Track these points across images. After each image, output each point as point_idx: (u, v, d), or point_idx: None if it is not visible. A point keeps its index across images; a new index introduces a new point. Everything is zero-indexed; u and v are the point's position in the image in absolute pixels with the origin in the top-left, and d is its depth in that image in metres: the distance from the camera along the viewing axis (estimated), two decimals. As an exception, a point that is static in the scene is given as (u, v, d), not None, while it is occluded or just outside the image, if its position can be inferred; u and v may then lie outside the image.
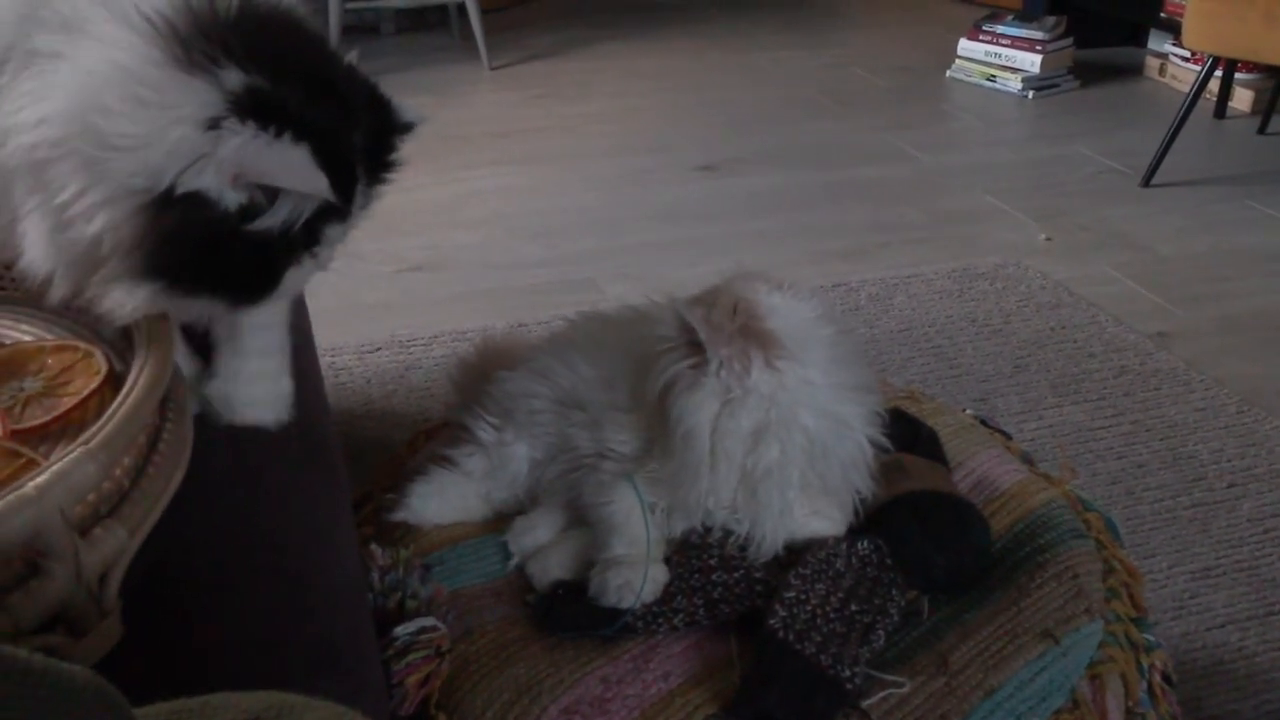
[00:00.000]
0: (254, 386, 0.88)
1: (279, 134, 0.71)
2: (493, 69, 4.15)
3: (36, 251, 0.74)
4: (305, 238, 0.76)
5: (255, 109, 0.71)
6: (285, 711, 0.44)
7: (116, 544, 0.67)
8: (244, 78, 0.71)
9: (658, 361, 0.98)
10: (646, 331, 1.03)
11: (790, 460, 0.97)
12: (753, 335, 0.96)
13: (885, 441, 1.04)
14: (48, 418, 0.76)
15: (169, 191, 0.70)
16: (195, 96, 0.70)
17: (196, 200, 0.70)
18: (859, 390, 1.02)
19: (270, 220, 0.73)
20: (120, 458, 0.69)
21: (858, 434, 1.01)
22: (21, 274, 0.76)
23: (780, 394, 0.96)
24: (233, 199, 0.71)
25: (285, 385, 0.91)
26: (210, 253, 0.73)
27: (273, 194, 0.73)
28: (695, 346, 0.96)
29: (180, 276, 0.74)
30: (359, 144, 0.78)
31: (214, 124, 0.69)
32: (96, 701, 0.40)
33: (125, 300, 0.74)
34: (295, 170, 0.72)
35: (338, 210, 0.77)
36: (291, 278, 0.78)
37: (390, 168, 0.83)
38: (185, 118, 0.69)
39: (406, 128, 0.83)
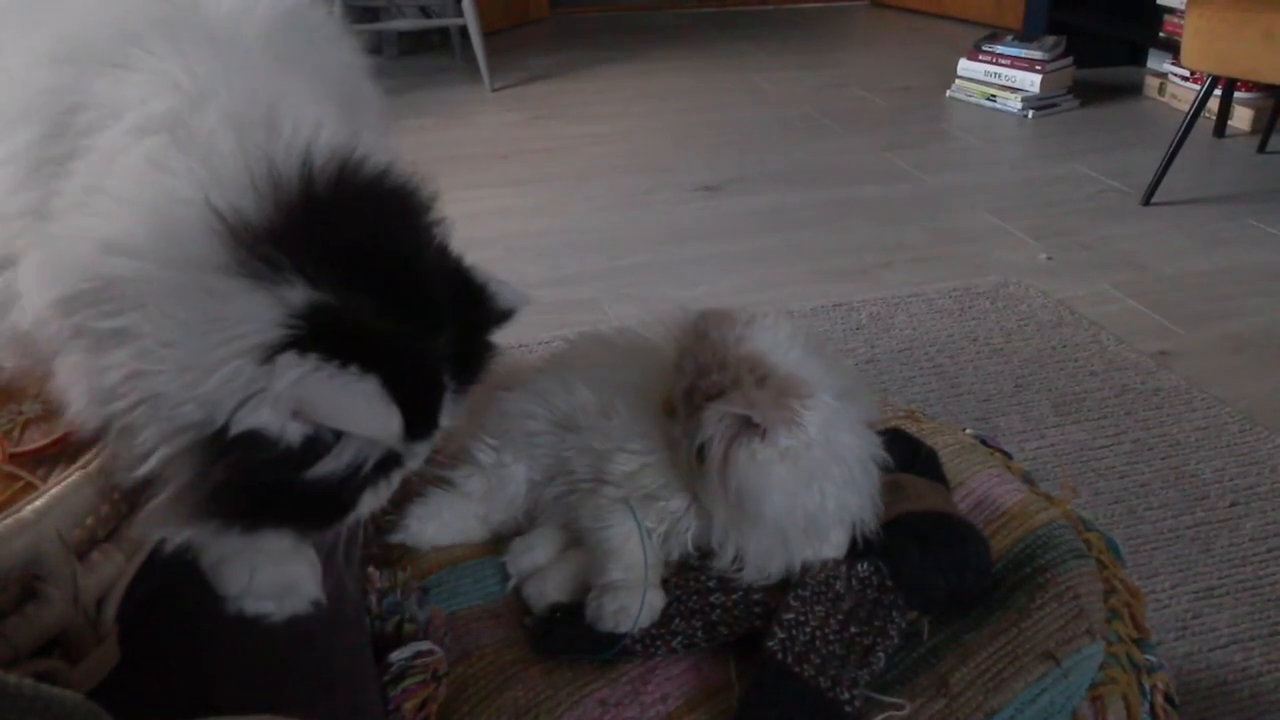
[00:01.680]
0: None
1: (344, 365, 0.61)
2: (494, 90, 4.17)
3: (78, 403, 0.64)
4: (377, 473, 0.68)
5: (319, 335, 0.61)
6: (277, 738, 0.43)
7: (114, 568, 0.67)
8: (309, 294, 0.61)
9: (704, 449, 0.95)
10: (646, 358, 1.03)
11: (838, 489, 0.97)
12: (782, 390, 0.95)
13: (887, 457, 1.04)
14: (46, 441, 0.76)
15: (224, 429, 0.60)
16: (253, 316, 0.60)
17: (254, 439, 0.61)
18: (852, 399, 1.02)
19: (333, 464, 0.64)
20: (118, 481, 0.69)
21: (865, 450, 1.01)
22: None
23: (825, 430, 0.96)
24: (295, 433, 0.62)
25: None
26: (271, 494, 0.64)
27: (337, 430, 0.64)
28: (745, 423, 0.94)
29: (237, 520, 0.65)
30: (445, 349, 0.68)
31: (270, 356, 0.60)
32: (87, 725, 0.40)
33: (174, 535, 0.65)
34: (360, 413, 0.62)
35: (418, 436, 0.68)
36: (368, 500, 0.69)
37: (486, 364, 0.73)
38: (239, 342, 0.60)
39: (505, 316, 0.74)
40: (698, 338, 0.99)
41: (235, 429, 0.60)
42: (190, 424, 0.60)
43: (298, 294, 0.61)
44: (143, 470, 0.62)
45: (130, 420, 0.61)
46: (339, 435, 0.63)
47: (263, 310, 0.60)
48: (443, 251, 0.71)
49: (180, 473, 0.62)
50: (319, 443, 0.63)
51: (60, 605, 0.64)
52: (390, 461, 0.68)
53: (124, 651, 0.67)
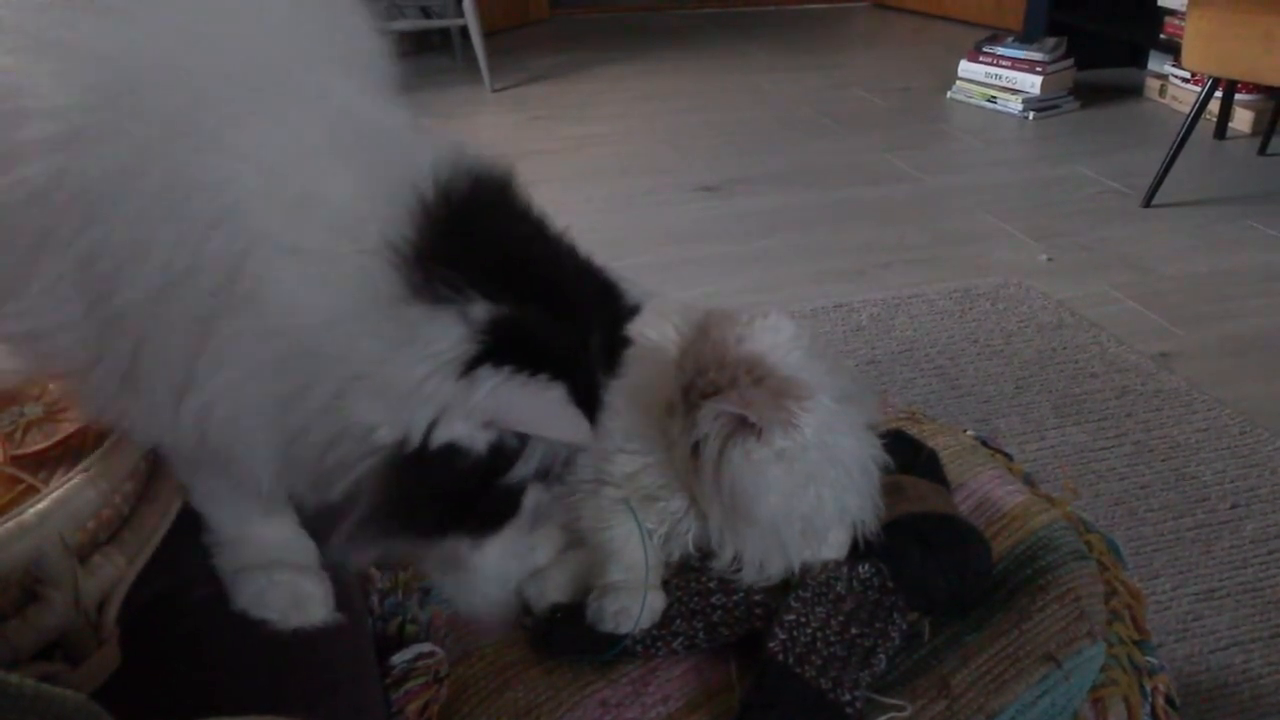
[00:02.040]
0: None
1: (534, 373, 0.64)
2: (495, 91, 4.18)
3: (254, 443, 0.65)
4: (558, 474, 0.71)
5: (506, 346, 0.64)
6: (279, 741, 0.43)
7: (115, 571, 0.68)
8: (490, 308, 0.64)
9: (699, 447, 0.95)
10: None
11: (836, 491, 0.97)
12: (779, 391, 0.95)
13: (887, 458, 1.04)
14: (48, 443, 0.76)
15: (422, 445, 0.63)
16: (443, 336, 0.62)
17: (449, 452, 0.64)
18: (853, 401, 1.02)
19: (524, 469, 0.67)
20: (120, 484, 0.69)
21: (865, 452, 1.01)
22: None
23: (822, 433, 0.96)
24: (483, 441, 0.65)
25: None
26: (459, 504, 0.67)
27: (523, 435, 0.67)
28: (740, 422, 0.94)
29: (423, 529, 0.68)
30: (596, 347, 0.71)
31: (467, 370, 0.63)
32: (88, 726, 0.40)
33: (366, 556, 0.70)
34: (555, 418, 0.66)
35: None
36: (531, 500, 0.72)
37: (624, 358, 0.76)
38: (434, 361, 0.62)
39: (635, 311, 0.77)
40: (700, 336, 0.99)
41: (434, 444, 0.63)
42: (384, 445, 0.63)
43: (479, 309, 0.63)
44: (334, 495, 0.64)
45: (318, 451, 0.63)
46: (524, 441, 0.66)
47: (451, 329, 0.62)
48: (574, 251, 0.73)
49: (373, 493, 0.64)
50: (506, 449, 0.66)
51: (61, 608, 0.64)
52: (569, 462, 0.71)
53: (125, 654, 0.68)
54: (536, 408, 0.65)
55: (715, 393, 0.94)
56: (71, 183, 0.60)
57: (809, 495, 0.95)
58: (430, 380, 0.62)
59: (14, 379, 0.79)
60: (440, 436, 0.63)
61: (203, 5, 0.67)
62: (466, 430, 0.64)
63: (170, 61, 0.63)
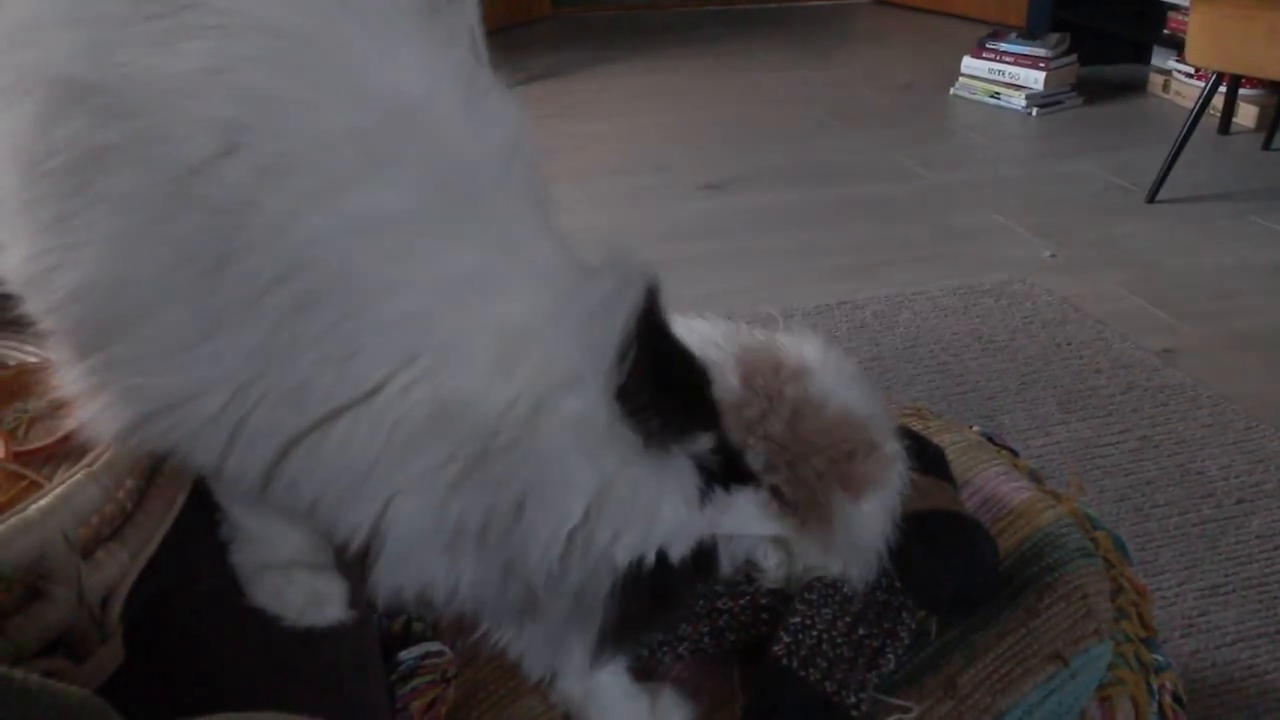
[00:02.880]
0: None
1: (741, 485, 0.75)
2: (497, 89, 4.17)
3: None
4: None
5: (725, 473, 0.74)
6: (282, 737, 0.43)
7: (119, 567, 0.67)
8: (709, 439, 0.73)
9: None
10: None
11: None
12: (875, 451, 0.98)
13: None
14: (51, 440, 0.76)
15: (660, 561, 0.72)
16: (682, 471, 0.72)
17: (667, 563, 0.73)
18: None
19: (726, 566, 0.79)
20: (123, 480, 0.69)
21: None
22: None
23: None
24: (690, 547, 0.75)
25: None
26: (667, 602, 0.76)
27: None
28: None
29: (631, 634, 0.78)
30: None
31: (702, 496, 0.72)
32: (90, 717, 0.39)
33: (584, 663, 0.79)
34: (759, 519, 0.78)
35: None
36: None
37: None
38: (676, 492, 0.71)
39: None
40: (764, 395, 1.00)
41: (662, 562, 0.72)
42: (621, 565, 0.71)
43: (703, 442, 0.73)
44: (569, 620, 0.74)
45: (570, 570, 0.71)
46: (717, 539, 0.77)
47: (685, 469, 0.72)
48: (688, 354, 0.79)
49: (606, 605, 0.72)
50: (706, 549, 0.76)
51: (65, 604, 0.63)
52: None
53: (129, 650, 0.67)
54: (746, 515, 0.76)
55: (813, 454, 0.96)
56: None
57: (893, 518, 0.99)
58: (680, 511, 0.71)
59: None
60: (672, 555, 0.72)
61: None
62: (689, 547, 0.74)
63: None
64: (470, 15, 0.70)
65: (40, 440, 0.76)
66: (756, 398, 0.98)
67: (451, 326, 0.65)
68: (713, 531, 0.75)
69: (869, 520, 0.96)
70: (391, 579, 0.69)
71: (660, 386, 0.71)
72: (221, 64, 0.60)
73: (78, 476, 0.65)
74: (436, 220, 0.65)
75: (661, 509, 0.71)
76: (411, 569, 0.70)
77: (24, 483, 0.72)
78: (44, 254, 0.63)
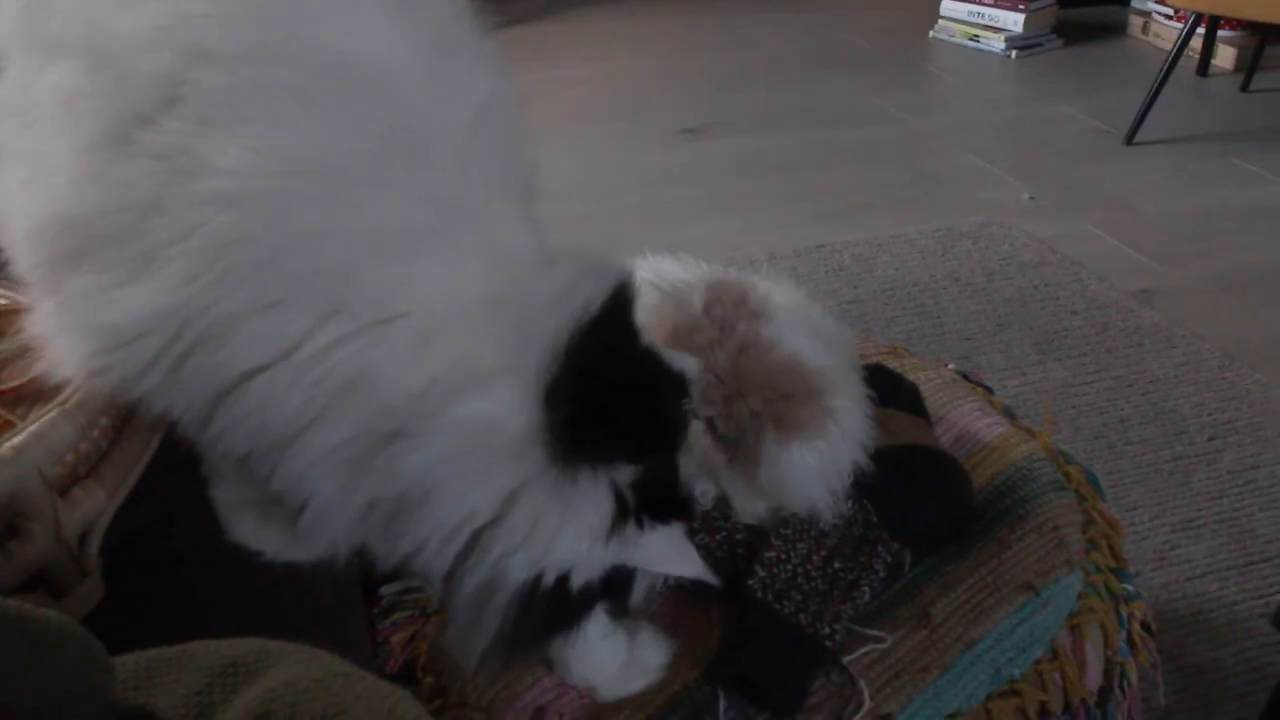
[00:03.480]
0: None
1: (664, 521, 0.74)
2: (474, 34, 4.11)
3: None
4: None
5: (644, 505, 0.72)
6: (263, 656, 0.44)
7: (95, 505, 0.68)
8: (631, 471, 0.72)
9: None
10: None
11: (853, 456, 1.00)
12: (816, 395, 0.97)
13: (872, 395, 1.05)
14: (23, 380, 0.76)
15: (559, 583, 0.71)
16: (590, 502, 0.70)
17: (567, 586, 0.72)
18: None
19: (636, 597, 0.79)
20: (97, 418, 0.69)
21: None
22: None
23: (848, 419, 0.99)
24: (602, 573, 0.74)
25: None
26: (563, 623, 0.76)
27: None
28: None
29: (528, 649, 0.78)
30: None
31: (609, 531, 0.71)
32: (73, 645, 0.40)
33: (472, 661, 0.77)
34: (677, 558, 0.77)
35: None
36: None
37: None
38: (583, 524, 0.70)
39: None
40: (717, 324, 0.99)
41: (560, 585, 0.71)
42: (524, 583, 0.70)
43: (623, 474, 0.71)
44: (470, 619, 0.73)
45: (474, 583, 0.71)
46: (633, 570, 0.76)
47: (602, 501, 0.70)
48: (655, 356, 0.78)
49: (503, 618, 0.71)
50: (621, 577, 0.75)
51: (42, 541, 0.64)
52: None
53: (109, 587, 0.68)
54: (660, 553, 0.75)
55: (762, 405, 0.95)
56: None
57: (838, 473, 0.98)
58: (577, 543, 0.70)
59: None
60: (574, 582, 0.72)
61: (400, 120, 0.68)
62: (597, 575, 0.73)
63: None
64: None
65: (13, 380, 0.76)
66: (710, 326, 0.98)
67: (375, 283, 0.66)
68: (621, 563, 0.74)
69: (799, 468, 0.95)
70: (317, 541, 0.71)
71: (592, 406, 0.68)
72: (173, 20, 0.64)
73: (51, 414, 0.66)
74: (371, 170, 0.66)
75: (559, 539, 0.70)
76: (328, 535, 0.71)
77: (-2, 422, 0.72)
78: (12, 198, 0.68)
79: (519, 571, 0.69)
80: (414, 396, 0.66)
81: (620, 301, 0.72)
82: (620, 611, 0.82)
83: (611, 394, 0.71)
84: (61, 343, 0.68)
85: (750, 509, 0.99)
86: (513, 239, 0.71)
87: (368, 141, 0.66)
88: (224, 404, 0.66)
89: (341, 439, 0.66)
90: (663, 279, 1.04)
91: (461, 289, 0.67)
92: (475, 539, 0.69)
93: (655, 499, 0.73)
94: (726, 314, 0.99)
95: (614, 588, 0.76)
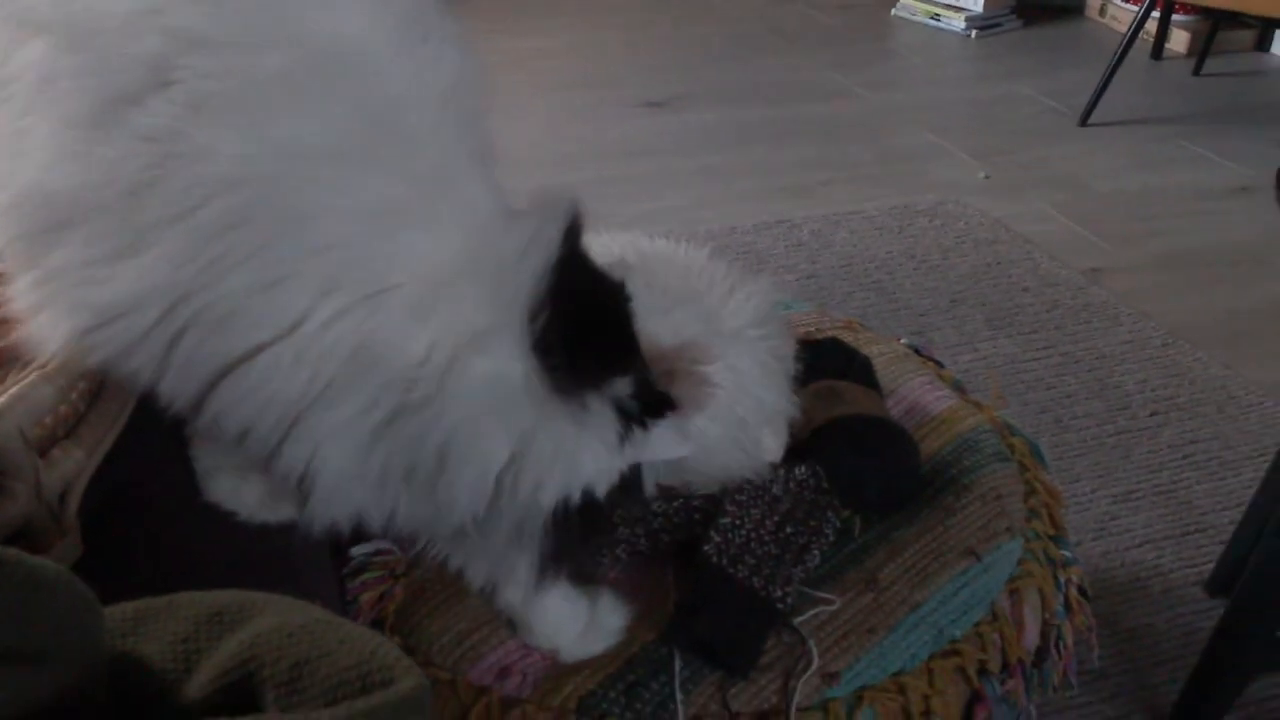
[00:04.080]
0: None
1: (657, 416, 0.79)
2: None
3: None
4: None
5: (640, 410, 0.77)
6: (247, 606, 0.47)
7: (74, 464, 0.70)
8: (624, 382, 0.76)
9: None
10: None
11: (756, 421, 1.03)
12: (692, 375, 0.97)
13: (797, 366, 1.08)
14: (2, 343, 0.77)
15: (586, 494, 0.77)
16: (602, 419, 0.75)
17: (593, 497, 0.77)
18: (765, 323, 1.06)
19: (649, 489, 0.88)
20: (76, 381, 0.71)
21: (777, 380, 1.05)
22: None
23: (736, 385, 1.00)
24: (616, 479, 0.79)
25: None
26: (598, 528, 0.85)
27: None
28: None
29: (569, 554, 0.84)
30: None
31: (623, 438, 0.76)
32: (67, 592, 0.43)
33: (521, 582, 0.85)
34: (673, 443, 0.82)
35: None
36: None
37: None
38: (595, 441, 0.75)
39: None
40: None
41: (589, 498, 0.77)
42: (557, 506, 0.76)
43: (619, 386, 0.76)
44: (507, 551, 0.81)
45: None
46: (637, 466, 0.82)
47: (605, 413, 0.75)
48: (608, 281, 0.83)
49: (541, 541, 0.79)
50: (632, 475, 0.82)
51: (23, 499, 0.66)
52: None
53: (87, 544, 0.70)
54: (663, 444, 0.80)
55: None
56: None
57: (743, 430, 1.00)
58: (598, 453, 0.75)
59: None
60: (596, 492, 0.77)
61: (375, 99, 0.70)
62: (614, 475, 0.78)
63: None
64: None
65: (-9, 344, 0.78)
66: None
67: (370, 258, 0.69)
68: (633, 463, 0.80)
69: (706, 441, 0.98)
70: (325, 513, 0.74)
71: (577, 337, 0.73)
72: (158, 4, 0.65)
73: (31, 377, 0.68)
74: (361, 151, 0.69)
75: (582, 458, 0.75)
76: (343, 505, 0.74)
77: (-24, 384, 0.74)
78: None
79: (550, 497, 0.74)
80: (417, 364, 0.69)
81: (574, 237, 0.76)
82: (634, 503, 0.89)
83: (592, 323, 0.77)
84: (44, 319, 0.68)
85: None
86: (484, 204, 0.74)
87: (354, 124, 0.68)
88: (223, 384, 0.68)
89: (351, 412, 0.69)
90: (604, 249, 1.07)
91: (446, 256, 0.70)
92: (502, 481, 0.73)
93: (648, 399, 0.78)
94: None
95: (628, 487, 0.81)
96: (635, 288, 0.97)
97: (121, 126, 0.64)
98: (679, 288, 1.07)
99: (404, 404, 0.69)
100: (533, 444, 0.73)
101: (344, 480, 0.72)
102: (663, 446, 0.81)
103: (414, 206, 0.70)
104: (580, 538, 0.82)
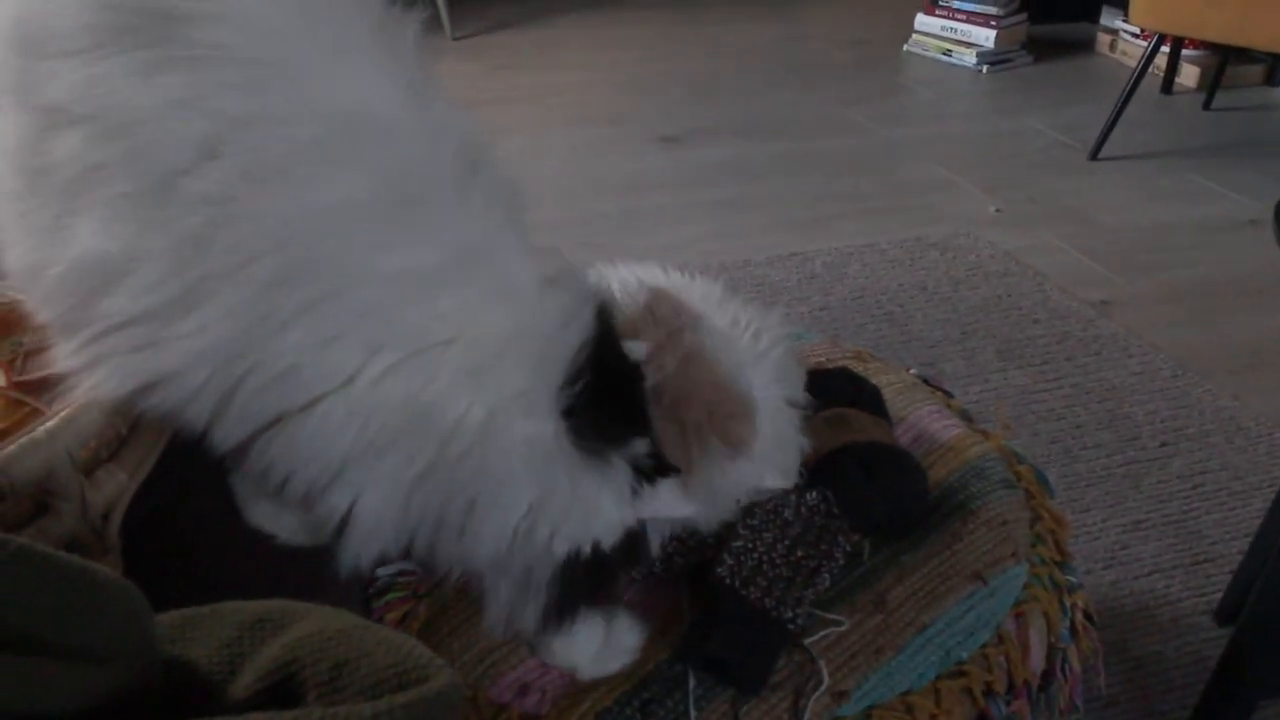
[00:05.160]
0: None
1: (665, 476, 0.84)
2: (455, 40, 4.17)
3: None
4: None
5: (653, 469, 0.83)
6: (288, 613, 0.50)
7: (118, 486, 0.73)
8: (642, 443, 0.83)
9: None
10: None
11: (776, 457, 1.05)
12: (732, 416, 1.01)
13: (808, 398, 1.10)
14: (48, 371, 0.81)
15: (594, 548, 0.82)
16: (619, 475, 0.81)
17: (600, 550, 0.82)
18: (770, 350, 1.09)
19: (654, 548, 0.92)
20: (121, 406, 0.75)
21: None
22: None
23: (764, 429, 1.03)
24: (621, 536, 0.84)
25: None
26: (602, 583, 0.87)
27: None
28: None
29: (572, 609, 0.87)
30: None
31: (635, 493, 0.82)
32: (125, 597, 0.46)
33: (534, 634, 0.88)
34: (680, 501, 0.87)
35: None
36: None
37: None
38: (615, 499, 0.81)
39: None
40: (664, 328, 1.02)
41: (598, 551, 0.82)
42: (566, 556, 0.81)
43: (637, 447, 0.82)
44: (518, 596, 0.84)
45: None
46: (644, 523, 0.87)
47: (622, 473, 0.81)
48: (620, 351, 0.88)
49: (548, 587, 0.83)
50: (635, 533, 0.86)
51: (70, 518, 0.70)
52: None
53: (127, 563, 0.73)
54: (668, 501, 0.85)
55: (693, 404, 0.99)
56: None
57: (756, 478, 1.03)
58: (608, 509, 0.81)
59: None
60: (606, 545, 0.82)
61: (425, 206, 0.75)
62: (621, 535, 0.83)
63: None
64: (411, 35, 0.78)
65: (38, 371, 0.81)
66: (656, 327, 1.04)
67: (412, 319, 0.73)
68: (640, 518, 0.85)
69: (731, 479, 1.01)
70: (356, 555, 0.78)
71: (604, 403, 0.79)
72: (199, 91, 0.69)
73: (80, 402, 0.71)
74: (391, 215, 0.73)
75: (599, 510, 0.80)
76: (374, 547, 0.79)
77: (25, 409, 0.77)
78: (38, 250, 0.71)
79: (561, 547, 0.79)
80: (459, 421, 0.74)
81: (606, 316, 0.83)
82: (637, 561, 0.92)
83: (615, 392, 0.82)
84: (93, 379, 0.72)
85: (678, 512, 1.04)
86: (521, 273, 0.79)
87: (381, 189, 0.72)
88: (275, 433, 0.73)
89: (395, 463, 0.74)
90: (621, 279, 1.10)
91: (493, 321, 0.76)
92: (518, 529, 0.78)
93: (657, 460, 0.84)
94: (670, 318, 1.05)
95: (633, 545, 0.86)
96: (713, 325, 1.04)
97: (176, 191, 0.68)
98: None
99: (442, 457, 0.75)
100: (555, 495, 0.78)
101: (379, 525, 0.77)
102: (668, 504, 0.86)
103: (451, 271, 0.75)
104: (587, 591, 0.85)
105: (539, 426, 0.77)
